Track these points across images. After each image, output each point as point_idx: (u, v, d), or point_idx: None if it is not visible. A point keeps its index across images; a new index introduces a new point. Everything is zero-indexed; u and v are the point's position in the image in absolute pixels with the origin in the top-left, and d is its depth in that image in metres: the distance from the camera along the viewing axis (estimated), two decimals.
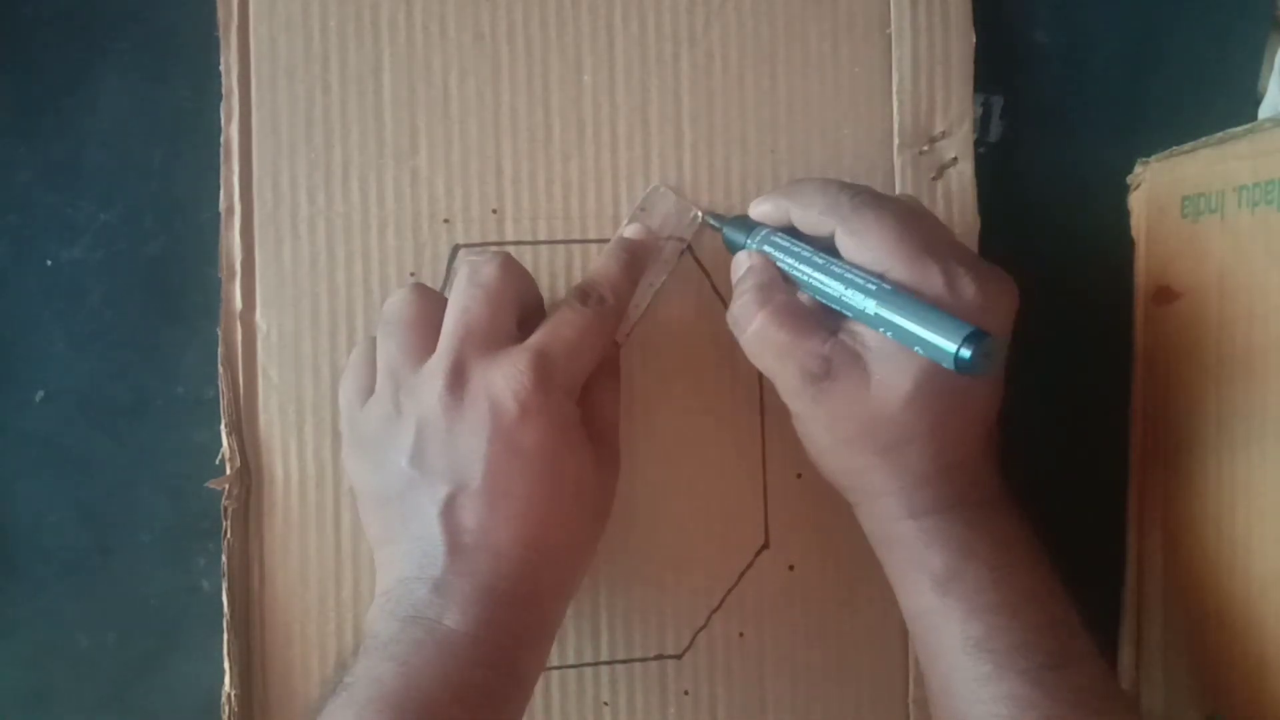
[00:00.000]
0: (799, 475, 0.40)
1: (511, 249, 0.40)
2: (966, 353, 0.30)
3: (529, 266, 0.39)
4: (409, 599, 0.32)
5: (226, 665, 0.39)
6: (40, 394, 0.41)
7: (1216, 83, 0.42)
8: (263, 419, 0.39)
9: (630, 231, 0.39)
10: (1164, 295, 0.38)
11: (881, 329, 0.32)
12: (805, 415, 0.35)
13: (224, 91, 0.39)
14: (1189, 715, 0.37)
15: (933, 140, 0.40)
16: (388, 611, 0.33)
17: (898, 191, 0.40)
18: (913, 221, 0.33)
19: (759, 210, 0.37)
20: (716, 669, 0.40)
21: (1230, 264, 0.35)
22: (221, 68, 0.39)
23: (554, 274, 0.40)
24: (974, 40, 0.40)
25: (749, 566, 0.40)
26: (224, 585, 0.39)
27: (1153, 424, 0.39)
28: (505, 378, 0.33)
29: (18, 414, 0.41)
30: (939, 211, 0.40)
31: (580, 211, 0.40)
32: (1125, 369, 0.40)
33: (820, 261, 0.34)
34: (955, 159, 0.40)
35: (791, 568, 0.40)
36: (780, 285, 0.35)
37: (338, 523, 0.40)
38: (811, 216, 0.35)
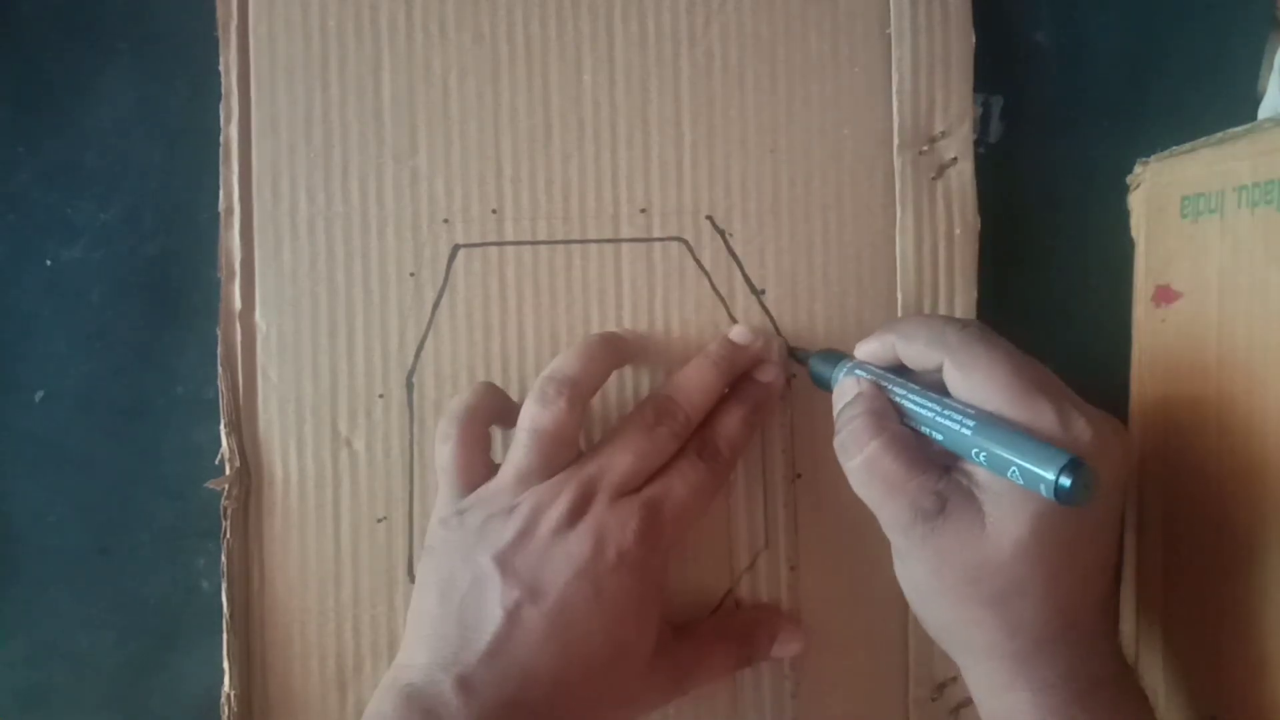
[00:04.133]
0: (799, 475, 0.40)
1: (511, 249, 0.40)
2: (1067, 480, 0.28)
3: (529, 266, 0.40)
4: (431, 688, 0.33)
5: (226, 665, 0.39)
6: (40, 394, 0.41)
7: (1216, 83, 0.42)
8: (262, 419, 0.39)
9: (765, 375, 0.38)
10: (1164, 295, 0.38)
11: (977, 453, 0.30)
12: (911, 555, 0.33)
13: (224, 91, 0.39)
14: (1189, 716, 0.37)
15: (933, 140, 0.40)
16: (400, 688, 0.33)
17: (898, 192, 0.40)
18: (1024, 360, 0.32)
19: (865, 349, 0.36)
20: None
21: (1230, 264, 0.35)
22: (221, 68, 0.39)
23: (554, 274, 0.40)
24: (974, 40, 0.40)
25: (749, 566, 0.40)
26: (224, 585, 0.39)
27: (1152, 424, 0.39)
28: (617, 524, 0.34)
29: (18, 414, 0.41)
30: (939, 212, 0.40)
31: (580, 211, 0.40)
32: (1125, 369, 0.40)
33: (918, 388, 0.33)
34: (955, 159, 0.40)
35: (792, 568, 0.40)
36: (893, 415, 0.33)
37: (337, 523, 0.40)
38: (917, 349, 0.34)
